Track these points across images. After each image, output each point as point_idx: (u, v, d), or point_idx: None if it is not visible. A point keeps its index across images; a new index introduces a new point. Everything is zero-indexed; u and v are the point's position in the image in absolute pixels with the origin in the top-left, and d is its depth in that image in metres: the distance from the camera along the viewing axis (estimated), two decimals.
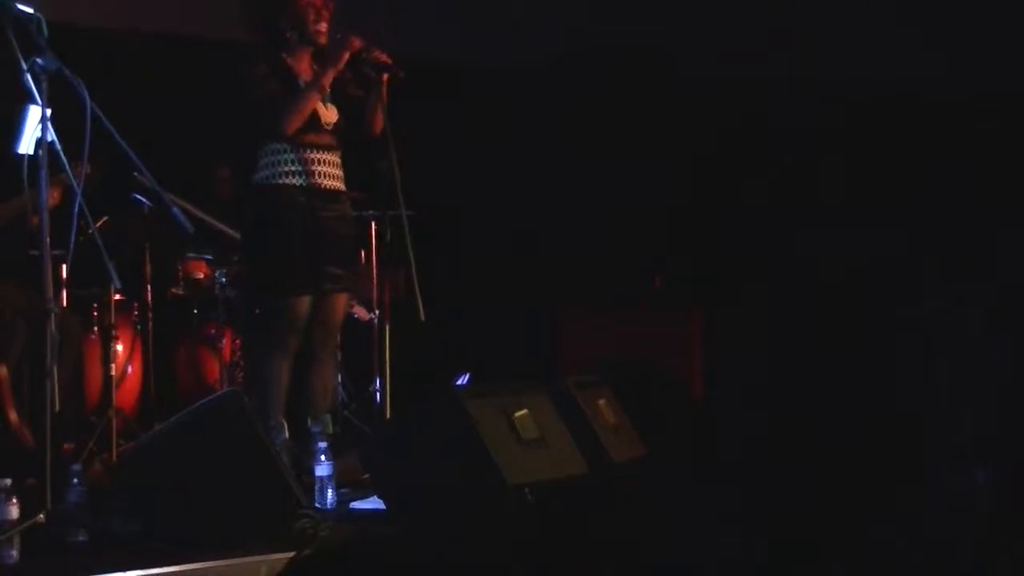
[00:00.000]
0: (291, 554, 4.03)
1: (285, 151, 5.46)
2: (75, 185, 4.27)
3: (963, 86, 8.74)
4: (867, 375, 8.05)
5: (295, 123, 5.39)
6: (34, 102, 4.29)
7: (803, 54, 8.95)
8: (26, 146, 4.34)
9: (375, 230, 7.08)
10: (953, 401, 6.73)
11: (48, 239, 4.31)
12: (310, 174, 5.47)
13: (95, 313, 6.79)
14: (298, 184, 5.46)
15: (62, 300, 5.78)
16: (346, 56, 5.43)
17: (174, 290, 7.01)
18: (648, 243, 8.89)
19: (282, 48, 5.54)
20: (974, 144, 8.79)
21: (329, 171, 5.54)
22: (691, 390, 8.15)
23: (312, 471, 5.22)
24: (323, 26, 5.53)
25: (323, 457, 5.15)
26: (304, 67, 5.57)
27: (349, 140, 5.63)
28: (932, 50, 8.79)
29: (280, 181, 5.46)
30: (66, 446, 5.80)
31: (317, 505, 4.96)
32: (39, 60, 4.27)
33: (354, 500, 5.28)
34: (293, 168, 5.46)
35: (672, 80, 8.97)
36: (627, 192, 8.88)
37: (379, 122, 5.56)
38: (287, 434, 5.49)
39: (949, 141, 8.79)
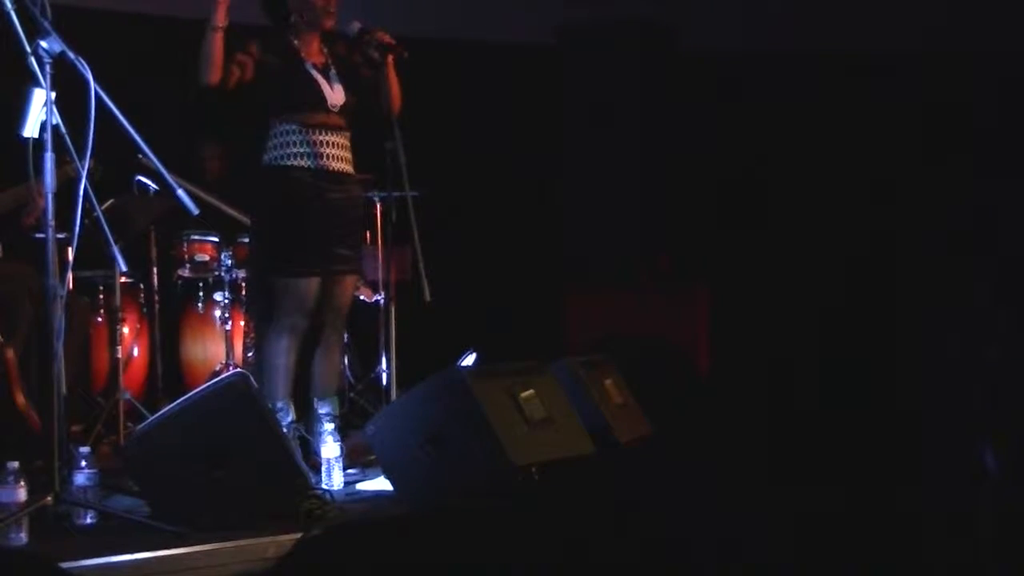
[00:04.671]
0: (299, 535, 4.05)
1: (293, 132, 5.47)
2: (80, 169, 4.27)
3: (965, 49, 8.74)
4: (872, 351, 8.06)
5: (206, 70, 5.27)
6: (38, 85, 4.29)
7: (807, 25, 8.93)
8: (31, 130, 4.34)
9: (380, 211, 7.08)
10: (960, 375, 6.72)
11: (52, 222, 4.31)
12: (318, 156, 5.47)
13: (101, 296, 6.80)
14: (306, 165, 5.46)
15: (68, 283, 5.78)
16: None
17: (180, 272, 7.01)
18: (652, 221, 8.88)
19: (290, 30, 5.54)
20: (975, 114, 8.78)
21: (337, 153, 5.54)
22: (697, 367, 8.16)
23: (319, 452, 5.24)
24: (331, 9, 5.52)
25: (330, 438, 5.17)
26: (313, 50, 5.56)
27: (363, 120, 5.63)
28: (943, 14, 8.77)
29: (289, 162, 5.46)
30: (73, 428, 5.82)
31: (324, 486, 4.97)
32: (43, 43, 4.26)
33: (361, 481, 5.30)
34: (301, 150, 5.46)
35: (674, 55, 8.95)
36: (630, 169, 8.88)
37: (396, 100, 5.57)
38: (294, 415, 5.50)
39: (951, 110, 8.77)
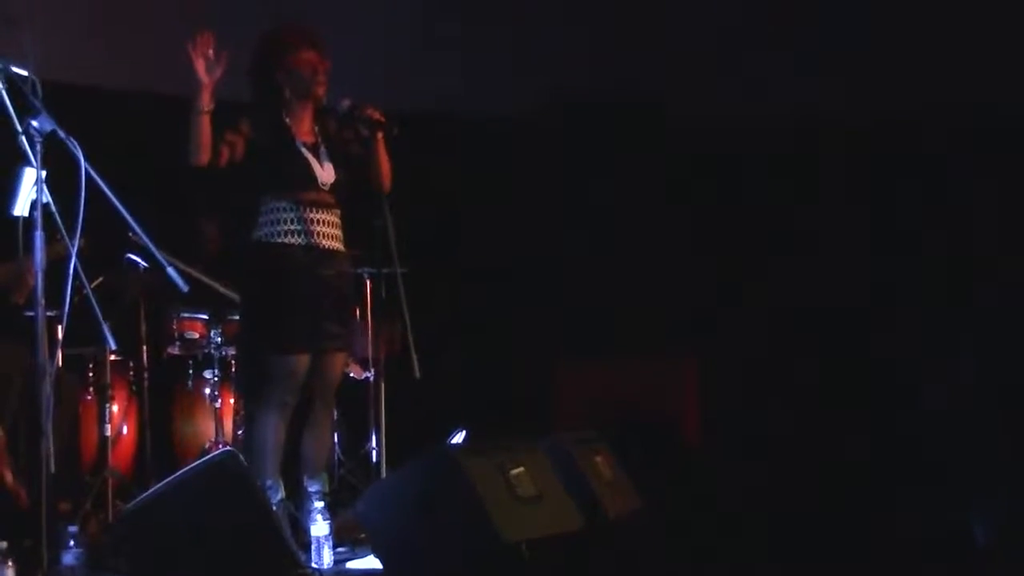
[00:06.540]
0: None
1: (284, 209, 5.48)
2: (70, 247, 4.27)
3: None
4: (866, 418, 8.05)
5: (195, 153, 5.27)
6: (29, 164, 4.30)
7: (798, 95, 8.95)
8: (21, 208, 4.35)
9: (370, 287, 7.09)
10: (954, 434, 6.71)
11: (42, 300, 4.31)
12: (309, 233, 5.49)
13: (91, 373, 6.78)
14: (298, 243, 5.48)
15: (57, 360, 5.77)
16: (200, 66, 5.21)
17: (170, 349, 7.00)
18: (642, 293, 8.88)
19: (281, 107, 5.56)
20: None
21: (328, 231, 5.56)
22: (688, 441, 8.14)
23: (308, 530, 5.21)
24: (321, 81, 5.55)
25: (319, 516, 5.14)
26: (304, 128, 5.59)
27: (354, 198, 5.64)
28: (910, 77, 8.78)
29: (280, 240, 5.47)
30: (62, 506, 5.78)
31: (314, 565, 4.94)
32: (34, 121, 4.28)
33: (350, 559, 5.27)
34: (293, 227, 5.48)
35: (668, 128, 8.98)
36: (621, 242, 8.89)
37: (386, 177, 5.58)
38: (284, 493, 5.47)
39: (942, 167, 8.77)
